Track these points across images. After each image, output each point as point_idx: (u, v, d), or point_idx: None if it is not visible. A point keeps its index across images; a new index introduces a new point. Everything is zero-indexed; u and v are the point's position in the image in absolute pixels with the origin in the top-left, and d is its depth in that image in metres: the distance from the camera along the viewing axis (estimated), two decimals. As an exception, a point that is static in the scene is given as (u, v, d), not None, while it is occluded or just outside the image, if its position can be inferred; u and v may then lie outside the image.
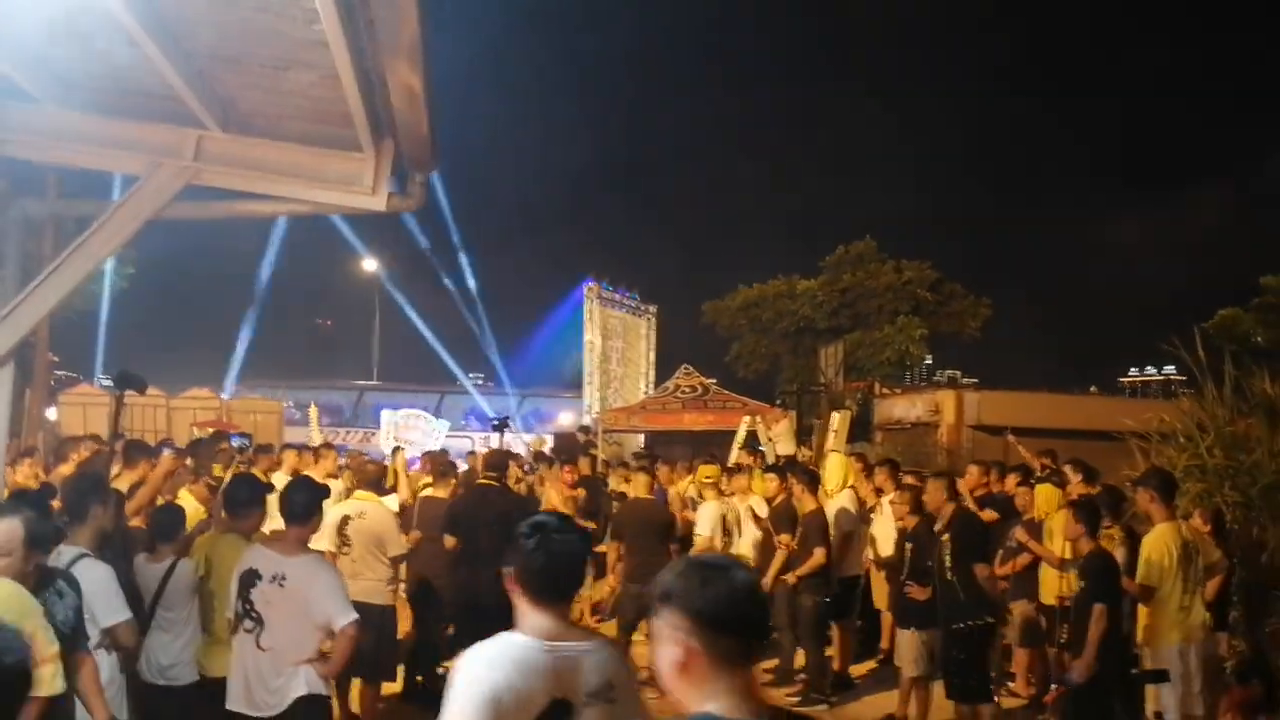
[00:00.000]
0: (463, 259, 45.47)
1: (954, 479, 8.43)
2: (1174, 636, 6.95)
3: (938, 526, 7.84)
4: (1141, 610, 7.15)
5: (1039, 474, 10.54)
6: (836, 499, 9.91)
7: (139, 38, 4.50)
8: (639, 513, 9.60)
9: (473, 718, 2.72)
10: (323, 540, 8.34)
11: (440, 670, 8.29)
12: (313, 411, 12.39)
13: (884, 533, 9.59)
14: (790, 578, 9.01)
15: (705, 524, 9.93)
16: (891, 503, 9.29)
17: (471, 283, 45.34)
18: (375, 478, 8.42)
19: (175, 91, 5.16)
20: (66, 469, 8.96)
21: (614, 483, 14.42)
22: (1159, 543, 7.07)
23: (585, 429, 23.64)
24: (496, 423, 12.15)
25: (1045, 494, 9.01)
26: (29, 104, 5.52)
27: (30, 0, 4.47)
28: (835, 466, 10.73)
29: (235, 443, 10.10)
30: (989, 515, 9.32)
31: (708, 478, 10.81)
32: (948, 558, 7.49)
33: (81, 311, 24.05)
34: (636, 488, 9.88)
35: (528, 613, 3.09)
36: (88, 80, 5.53)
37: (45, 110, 5.56)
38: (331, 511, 8.19)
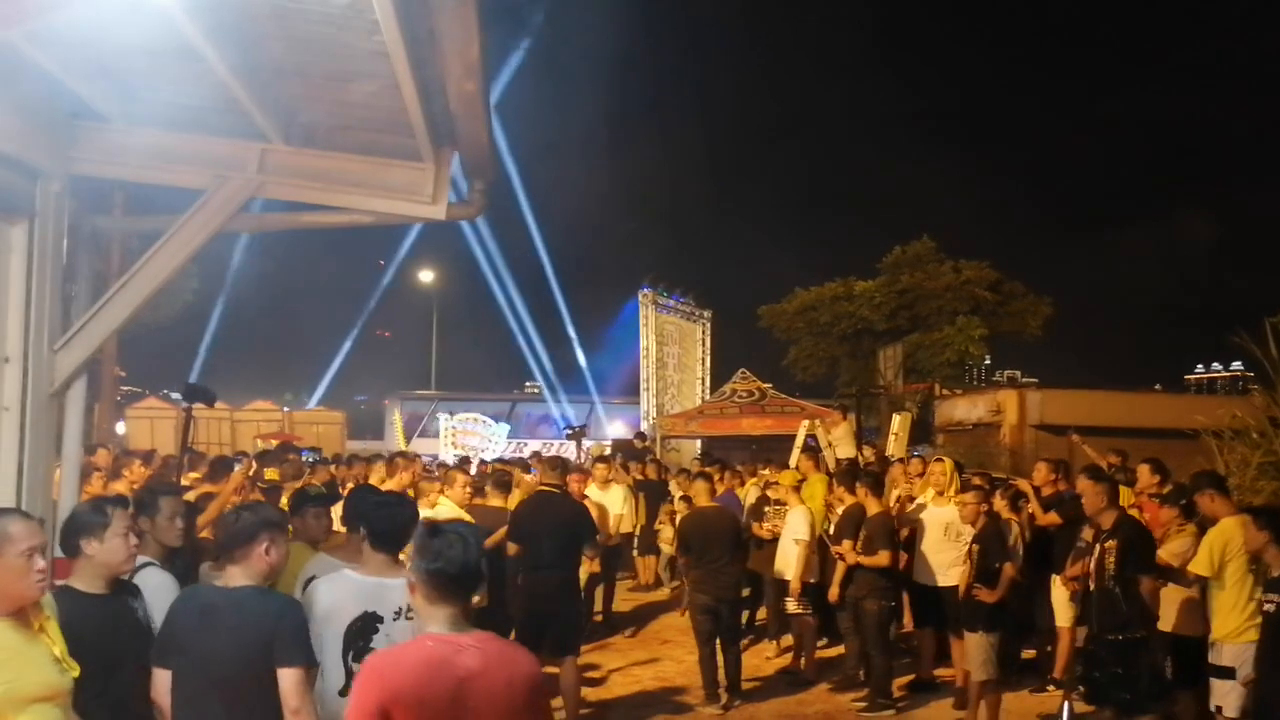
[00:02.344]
0: (532, 266, 45.73)
1: (1115, 483, 7.93)
2: (1250, 635, 6.85)
3: (1100, 534, 7.34)
4: (1217, 606, 7.02)
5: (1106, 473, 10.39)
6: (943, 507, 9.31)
7: (206, 54, 4.57)
8: (704, 522, 9.18)
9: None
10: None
11: None
12: (397, 419, 12.37)
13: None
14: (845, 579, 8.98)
15: (803, 528, 9.86)
16: (958, 504, 9.13)
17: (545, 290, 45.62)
18: (461, 484, 8.47)
19: (240, 106, 5.24)
20: (119, 485, 9.09)
21: (675, 489, 14.38)
22: (1219, 534, 7.02)
23: (642, 435, 23.61)
24: (571, 431, 12.22)
25: (1114, 494, 8.86)
26: (99, 122, 5.62)
27: (99, 21, 4.54)
28: (947, 469, 9.74)
29: (307, 457, 10.23)
30: (1051, 518, 9.17)
31: (787, 483, 10.73)
32: (1110, 565, 7.10)
33: (149, 325, 24.45)
34: (697, 495, 9.59)
35: (367, 555, 4.46)
36: (155, 97, 5.63)
37: (114, 128, 5.66)
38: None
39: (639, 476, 15.48)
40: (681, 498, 12.86)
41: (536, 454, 17.19)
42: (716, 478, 12.71)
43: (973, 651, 8.00)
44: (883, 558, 8.73)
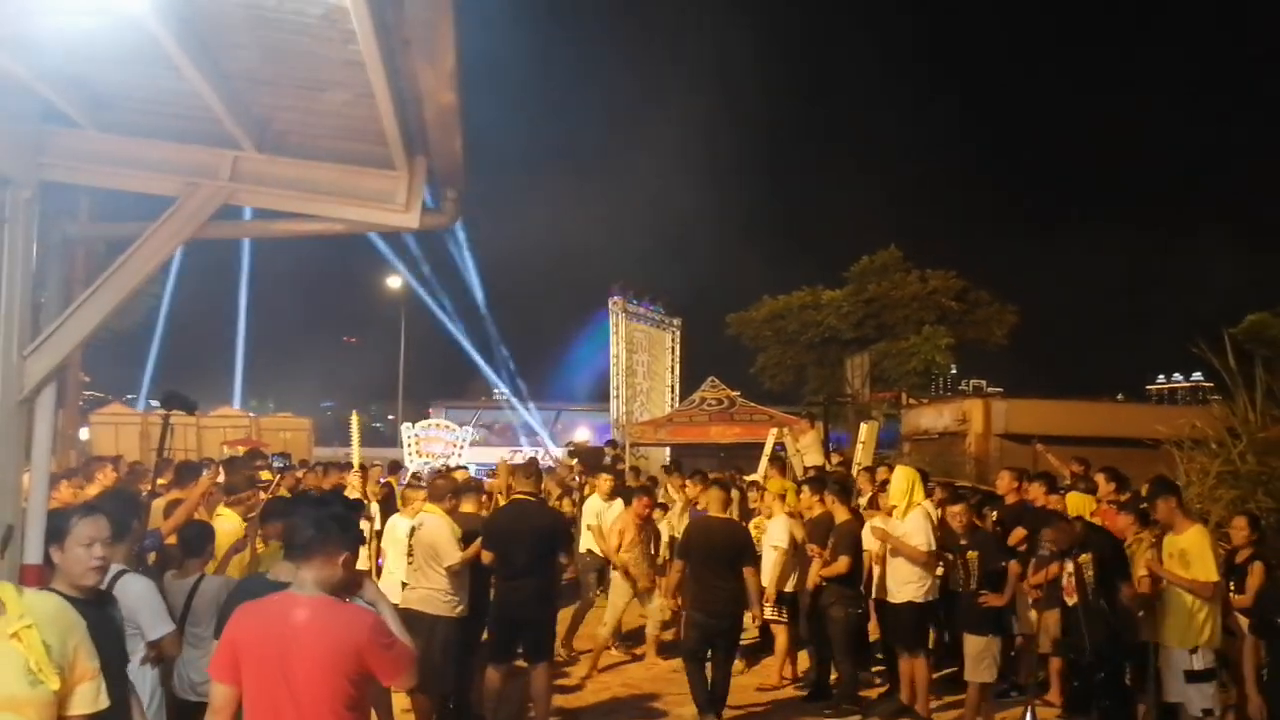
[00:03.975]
0: (502, 273, 45.71)
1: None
2: (1217, 638, 7.05)
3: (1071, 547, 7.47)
4: (1192, 613, 7.12)
5: (1067, 482, 10.50)
6: (913, 519, 8.73)
7: (179, 61, 4.58)
8: (707, 533, 8.62)
9: None
10: (397, 550, 8.79)
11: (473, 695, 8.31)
12: (355, 424, 12.02)
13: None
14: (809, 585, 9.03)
15: (782, 537, 9.80)
16: (949, 516, 8.73)
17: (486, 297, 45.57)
18: (443, 493, 8.46)
19: (212, 113, 5.24)
20: (93, 489, 9.07)
21: (674, 495, 14.23)
22: (1208, 540, 7.17)
23: (612, 443, 23.64)
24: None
25: (1076, 502, 8.97)
26: (69, 128, 5.60)
27: (71, 25, 4.54)
28: (901, 480, 9.07)
29: (277, 464, 10.20)
30: (1019, 534, 9.22)
31: (774, 491, 10.72)
32: (1090, 577, 7.21)
33: (114, 331, 24.28)
34: (710, 504, 8.98)
35: None
36: (127, 103, 5.62)
37: (85, 134, 5.64)
38: (402, 523, 8.76)
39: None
40: (660, 504, 12.76)
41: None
42: (683, 486, 12.67)
43: (975, 654, 8.02)
44: (840, 564, 8.75)
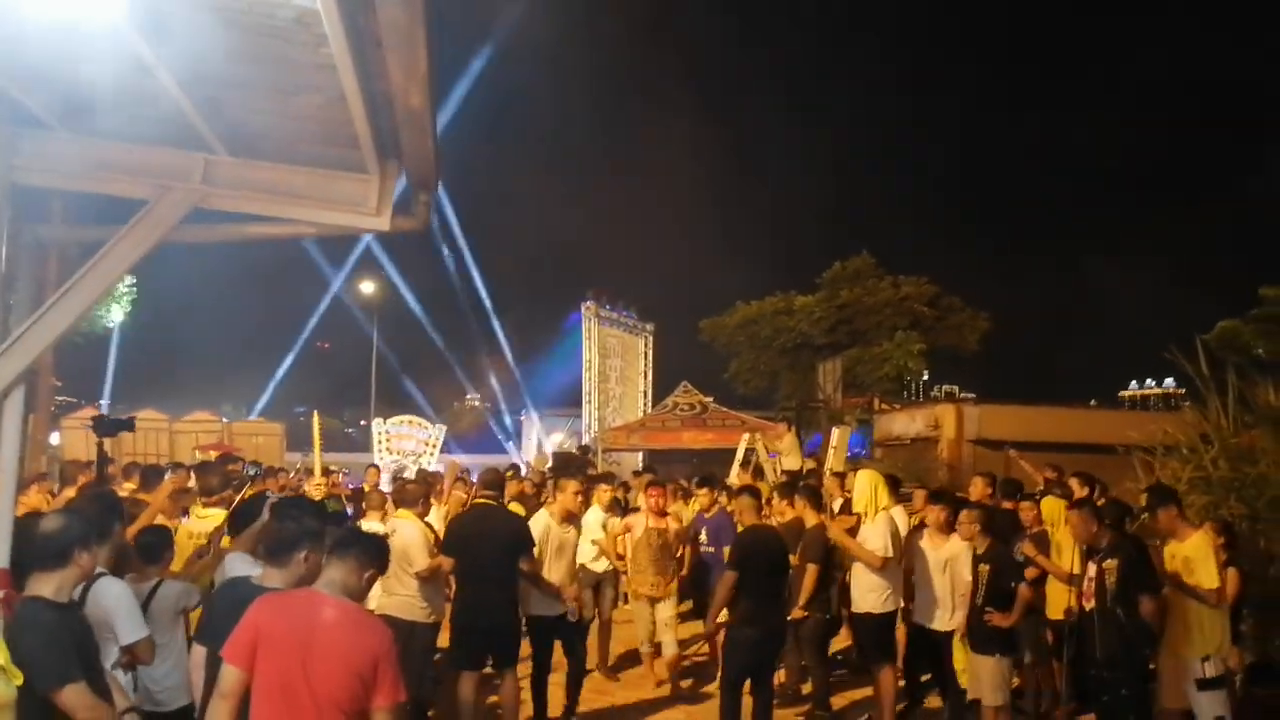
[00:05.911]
0: (469, 279, 45.68)
1: (1098, 507, 7.79)
2: (1226, 644, 7.11)
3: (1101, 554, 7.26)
4: (1202, 622, 7.13)
5: (1040, 488, 10.52)
6: (873, 525, 8.58)
7: (151, 64, 4.56)
8: (760, 543, 7.98)
9: None
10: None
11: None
12: (316, 426, 11.52)
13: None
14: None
15: None
16: (960, 524, 8.39)
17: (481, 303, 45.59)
18: (415, 497, 8.40)
19: (184, 116, 5.23)
20: (71, 492, 9.00)
21: (641, 500, 14.06)
22: (1211, 546, 7.18)
23: (585, 448, 23.65)
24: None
25: (1050, 507, 8.97)
26: (41, 130, 5.57)
27: (43, 27, 4.51)
28: (864, 484, 8.90)
29: (250, 471, 10.09)
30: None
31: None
32: (1111, 585, 7.01)
33: (86, 335, 24.09)
34: (743, 513, 8.52)
35: None
36: (98, 106, 5.58)
37: (56, 136, 5.62)
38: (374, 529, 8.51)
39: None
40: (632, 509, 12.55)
41: (514, 466, 16.92)
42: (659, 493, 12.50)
43: (986, 677, 7.78)
44: (809, 570, 8.72)
